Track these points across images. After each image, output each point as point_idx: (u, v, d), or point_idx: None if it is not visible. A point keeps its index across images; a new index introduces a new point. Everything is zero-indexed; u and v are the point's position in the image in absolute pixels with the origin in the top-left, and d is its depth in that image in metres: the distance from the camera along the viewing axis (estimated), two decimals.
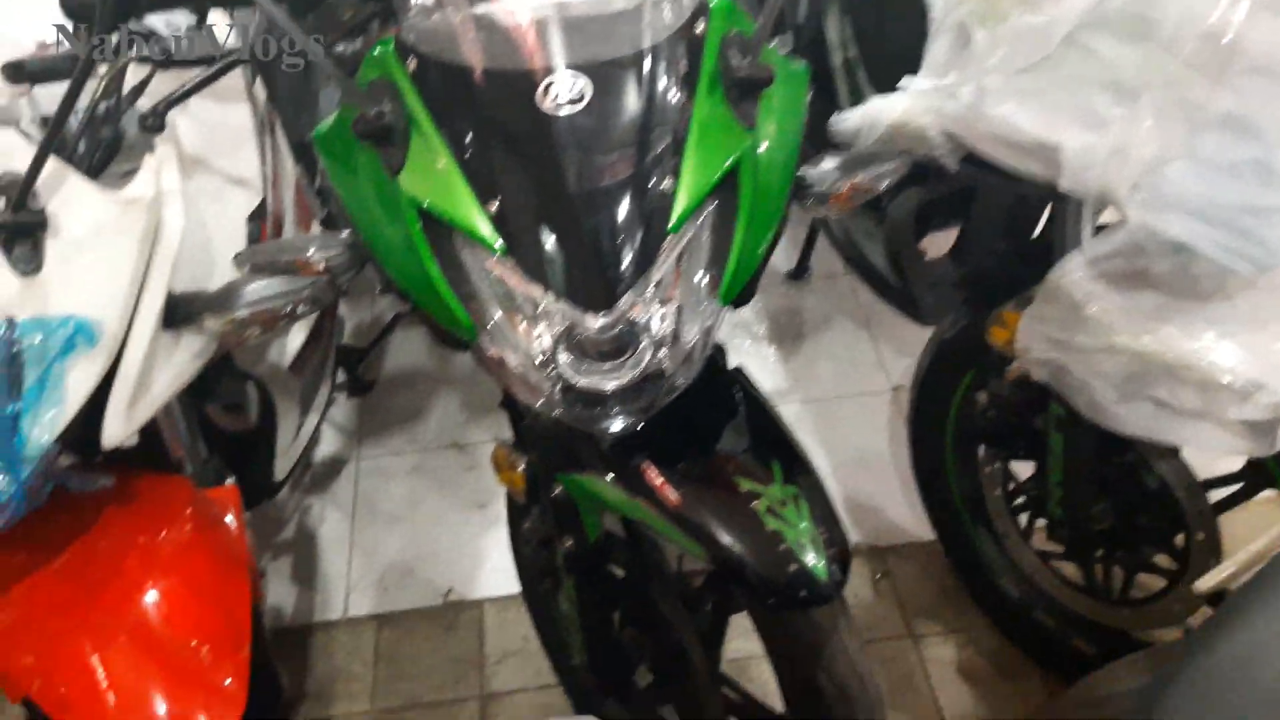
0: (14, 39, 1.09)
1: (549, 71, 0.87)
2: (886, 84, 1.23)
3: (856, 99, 1.50)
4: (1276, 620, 0.77)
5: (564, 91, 0.87)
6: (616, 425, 0.96)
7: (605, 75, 0.88)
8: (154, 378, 1.03)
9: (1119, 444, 1.37)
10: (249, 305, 1.04)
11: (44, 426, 0.92)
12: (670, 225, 0.89)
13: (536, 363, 0.93)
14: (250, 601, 1.16)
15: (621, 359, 0.92)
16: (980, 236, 1.60)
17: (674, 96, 0.91)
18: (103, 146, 1.10)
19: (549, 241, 0.88)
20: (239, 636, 1.12)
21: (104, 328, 0.93)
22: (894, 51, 1.25)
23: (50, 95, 1.07)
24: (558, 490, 1.17)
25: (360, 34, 1.00)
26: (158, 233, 0.99)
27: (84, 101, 0.97)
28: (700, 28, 0.94)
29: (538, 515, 1.32)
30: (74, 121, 1.01)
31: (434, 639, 1.80)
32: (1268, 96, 1.00)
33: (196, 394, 1.22)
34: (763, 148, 0.95)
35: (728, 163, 0.91)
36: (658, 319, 0.92)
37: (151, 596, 1.10)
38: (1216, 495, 1.36)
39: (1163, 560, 1.43)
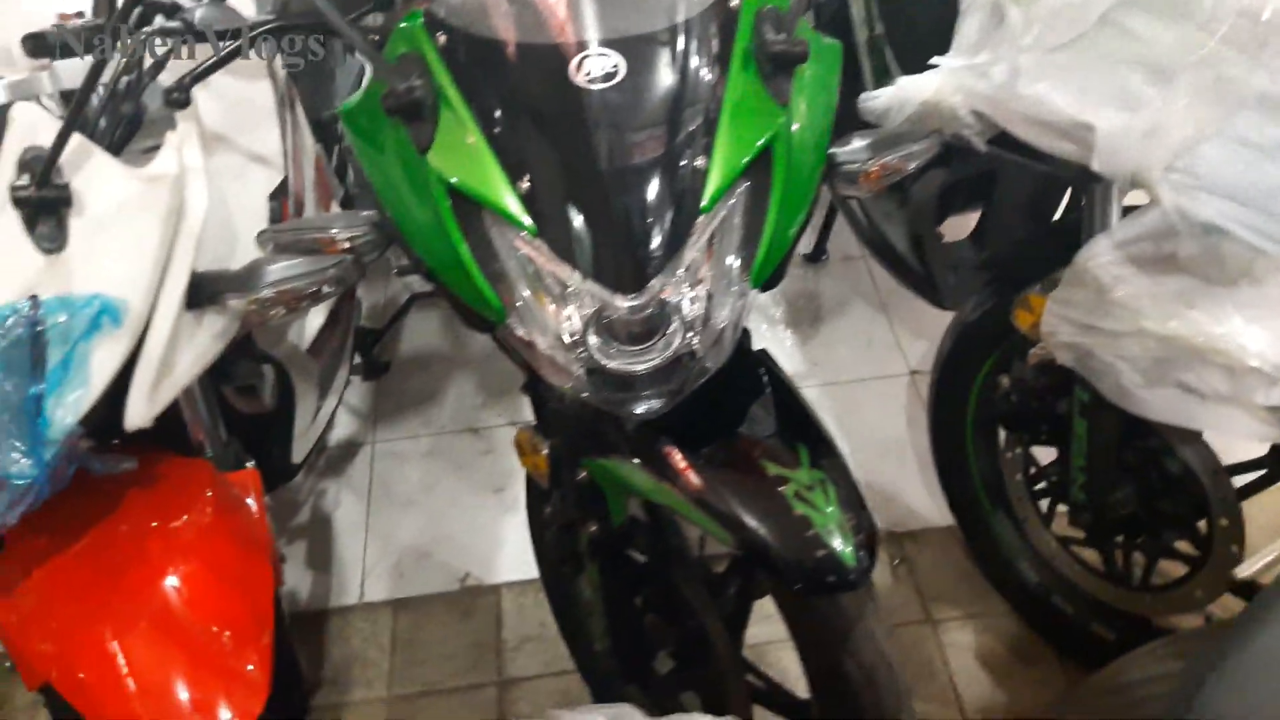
0: (33, 11, 1.08)
1: (582, 46, 0.86)
2: (913, 62, 1.22)
3: (882, 78, 1.48)
4: None
5: (597, 67, 0.86)
6: (645, 408, 0.95)
7: (639, 50, 0.87)
8: (177, 359, 1.02)
9: (1143, 429, 1.37)
10: (273, 285, 1.03)
11: (68, 408, 0.91)
12: (703, 205, 0.88)
13: (566, 344, 0.92)
14: (273, 586, 1.15)
15: (651, 341, 0.91)
16: (1001, 220, 1.59)
17: (707, 72, 0.90)
18: (124, 123, 1.09)
19: (579, 221, 0.87)
20: (261, 622, 1.11)
21: (129, 307, 0.92)
22: (922, 29, 1.24)
23: (70, 68, 1.05)
24: (582, 475, 1.16)
25: (387, 6, 0.98)
26: (181, 211, 0.97)
27: (105, 76, 0.95)
28: (735, 1, 0.92)
29: (559, 500, 1.31)
30: (95, 97, 0.99)
31: (451, 624, 1.80)
32: None
33: (215, 375, 1.21)
34: (796, 126, 0.94)
35: (761, 141, 0.90)
36: (688, 301, 0.91)
37: (173, 581, 1.09)
38: (1240, 481, 1.35)
39: (1185, 546, 1.42)
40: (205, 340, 1.07)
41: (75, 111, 0.88)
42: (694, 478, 1.04)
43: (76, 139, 0.92)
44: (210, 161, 1.08)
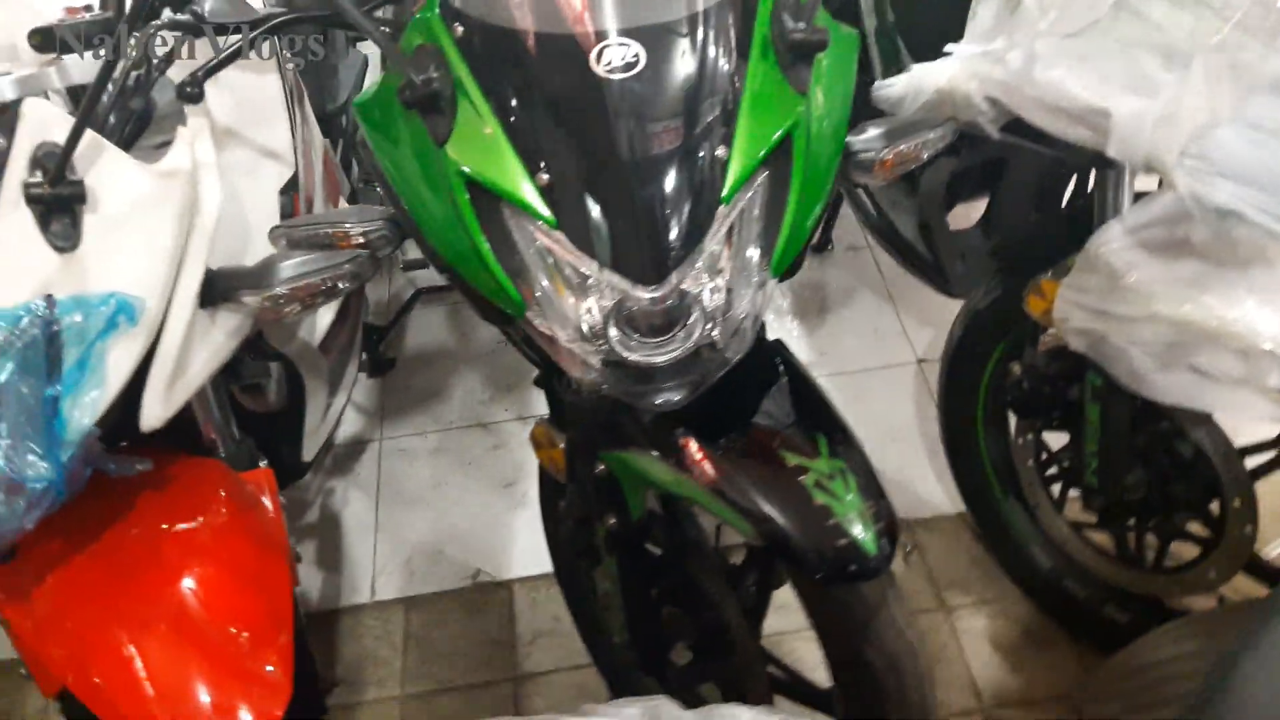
0: (40, 5, 1.06)
1: (602, 36, 0.85)
2: (924, 51, 1.21)
3: (893, 66, 1.47)
4: None
5: (618, 56, 0.85)
6: (665, 400, 0.95)
7: (658, 40, 0.86)
8: (191, 358, 1.02)
9: (1154, 412, 1.37)
10: (288, 281, 1.02)
11: (84, 409, 0.90)
12: (723, 195, 0.87)
13: (586, 337, 0.91)
14: (290, 586, 1.15)
15: (672, 332, 0.91)
16: (1009, 207, 1.59)
17: (727, 62, 0.89)
18: (133, 118, 1.08)
19: (600, 212, 0.86)
20: (280, 622, 1.10)
21: (145, 306, 0.91)
22: (933, 17, 1.23)
23: (79, 63, 1.04)
24: (600, 468, 1.15)
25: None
26: (195, 207, 0.97)
27: (115, 71, 0.94)
28: None
29: (575, 494, 1.31)
30: (104, 93, 0.98)
31: (463, 621, 1.79)
32: None
33: (226, 374, 1.20)
34: (815, 115, 0.94)
35: (781, 131, 0.90)
36: (709, 292, 0.90)
37: (189, 583, 1.08)
38: (1252, 463, 1.36)
39: (1197, 528, 1.43)
40: (219, 338, 1.07)
41: (88, 107, 0.87)
42: (713, 469, 1.04)
43: (89, 135, 0.91)
44: (221, 157, 1.07)
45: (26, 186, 0.91)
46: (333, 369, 1.51)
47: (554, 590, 1.79)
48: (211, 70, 0.95)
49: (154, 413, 0.98)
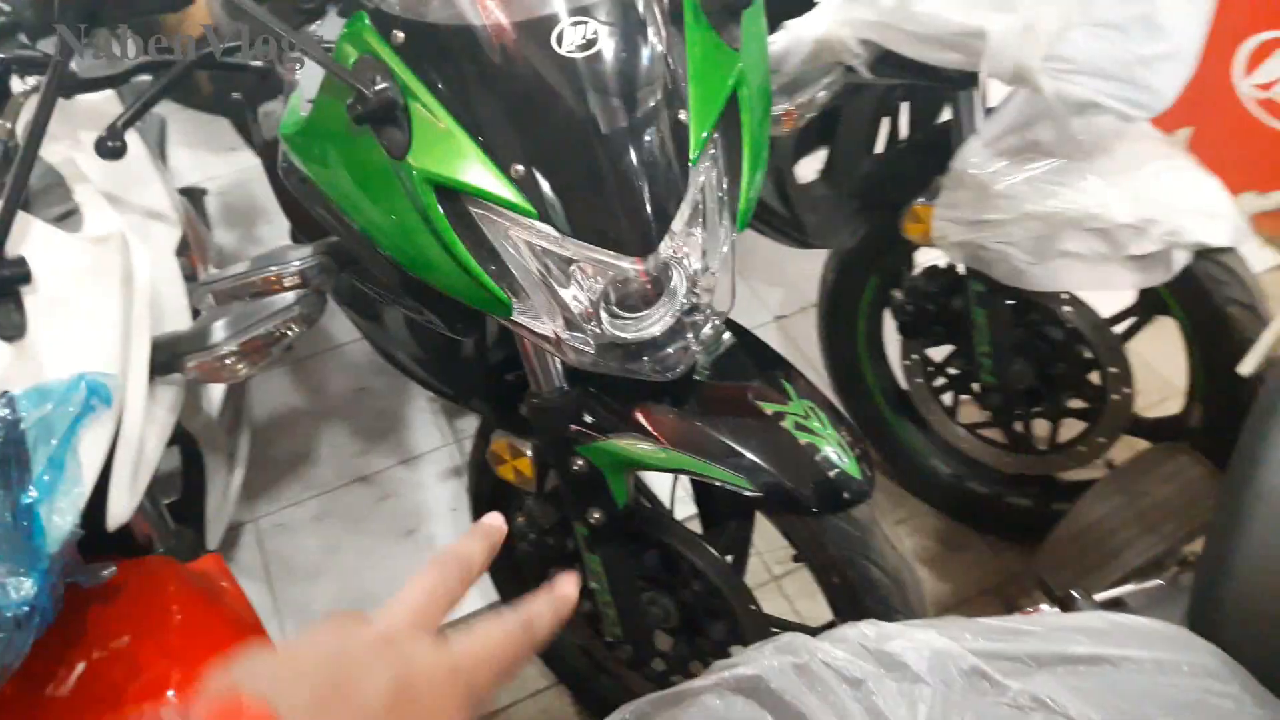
0: None
1: (559, 18, 0.85)
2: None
3: None
4: None
5: (577, 36, 0.85)
6: (667, 367, 0.96)
7: (607, 14, 0.86)
8: (147, 437, 0.92)
9: (1027, 305, 1.51)
10: (236, 337, 0.94)
11: (64, 511, 0.79)
12: (690, 158, 0.89)
13: (576, 324, 0.91)
14: None
15: (660, 301, 0.92)
16: (848, 153, 1.69)
17: (669, 29, 0.91)
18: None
19: (584, 193, 0.86)
20: None
21: (114, 382, 0.81)
22: None
23: None
24: (579, 464, 1.14)
25: (318, 18, 0.92)
26: (129, 273, 0.87)
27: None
28: None
29: (538, 503, 1.28)
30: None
31: None
32: None
33: None
34: (750, 68, 0.97)
35: (728, 87, 0.93)
36: (692, 255, 0.92)
37: (173, 695, 0.97)
38: (1119, 330, 1.52)
39: (1080, 403, 1.58)
40: (162, 414, 0.97)
41: (20, 180, 0.76)
42: (701, 435, 1.06)
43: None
44: None
45: None
46: (230, 441, 1.40)
47: None
48: (130, 121, 0.86)
49: (122, 505, 0.88)
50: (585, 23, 0.85)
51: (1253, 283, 1.36)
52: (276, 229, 2.44)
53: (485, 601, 1.72)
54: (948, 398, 1.72)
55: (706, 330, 0.97)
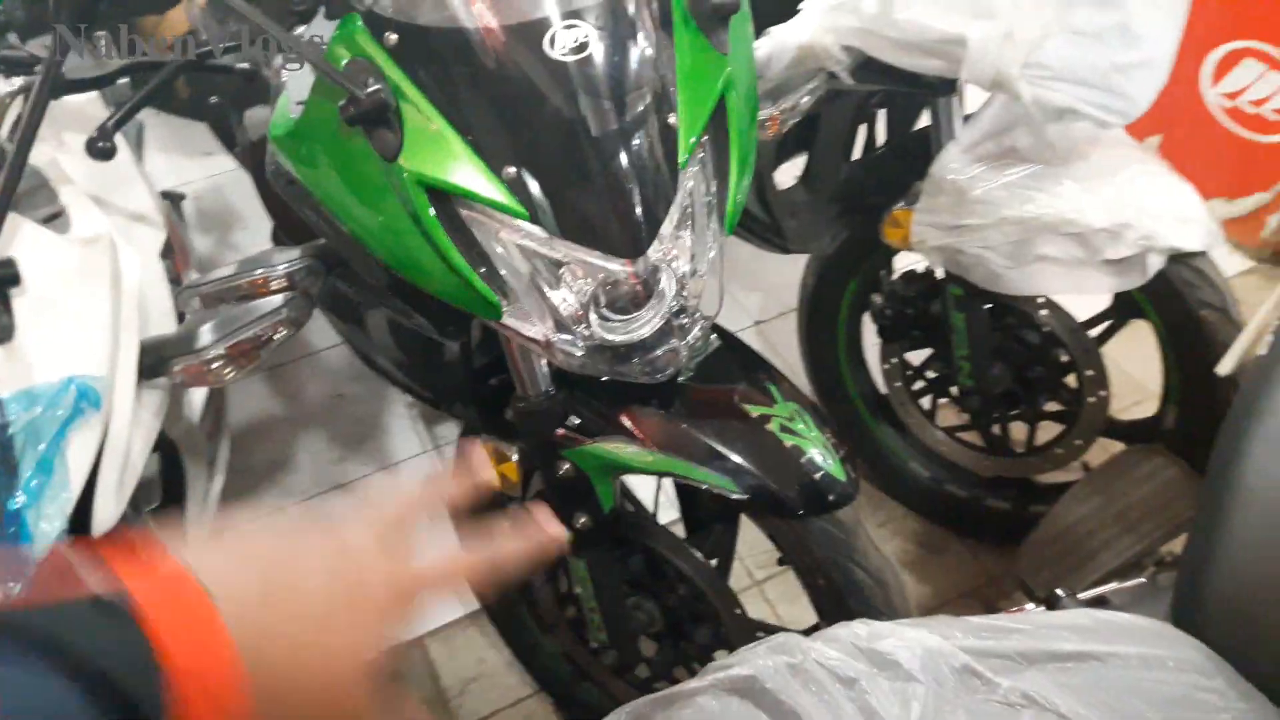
0: None
1: (551, 21, 0.85)
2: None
3: None
4: None
5: (569, 39, 0.85)
6: (656, 370, 0.97)
7: (599, 18, 0.87)
8: (133, 442, 0.91)
9: (1004, 309, 1.53)
10: (223, 340, 0.94)
11: (51, 516, 0.78)
12: (680, 161, 0.90)
13: (566, 326, 0.91)
14: None
15: (650, 304, 0.93)
16: (826, 159, 1.71)
17: (659, 33, 0.91)
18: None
19: (576, 195, 0.87)
20: None
21: (103, 385, 0.80)
22: None
23: None
24: (565, 468, 1.14)
25: (308, 19, 0.92)
26: (118, 274, 0.86)
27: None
28: None
29: (523, 509, 1.28)
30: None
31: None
32: None
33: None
34: (738, 73, 0.98)
35: (717, 92, 0.93)
36: (681, 257, 0.93)
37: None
38: (1094, 333, 1.54)
39: (1057, 406, 1.60)
40: (148, 418, 0.96)
41: (10, 186, 0.75)
42: (687, 438, 1.07)
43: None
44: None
45: None
46: (210, 448, 1.38)
47: (471, 633, 1.73)
48: (121, 122, 0.85)
49: (108, 511, 0.87)
50: (577, 26, 0.85)
51: (1224, 286, 1.38)
52: (253, 234, 2.43)
53: (465, 610, 1.73)
54: (926, 401, 1.73)
55: (695, 333, 0.98)
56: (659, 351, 0.96)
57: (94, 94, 1.08)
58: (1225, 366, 1.16)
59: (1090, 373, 1.52)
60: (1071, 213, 1.33)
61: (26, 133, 0.77)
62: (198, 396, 1.30)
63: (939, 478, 1.77)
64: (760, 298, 2.24)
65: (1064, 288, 1.42)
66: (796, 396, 1.12)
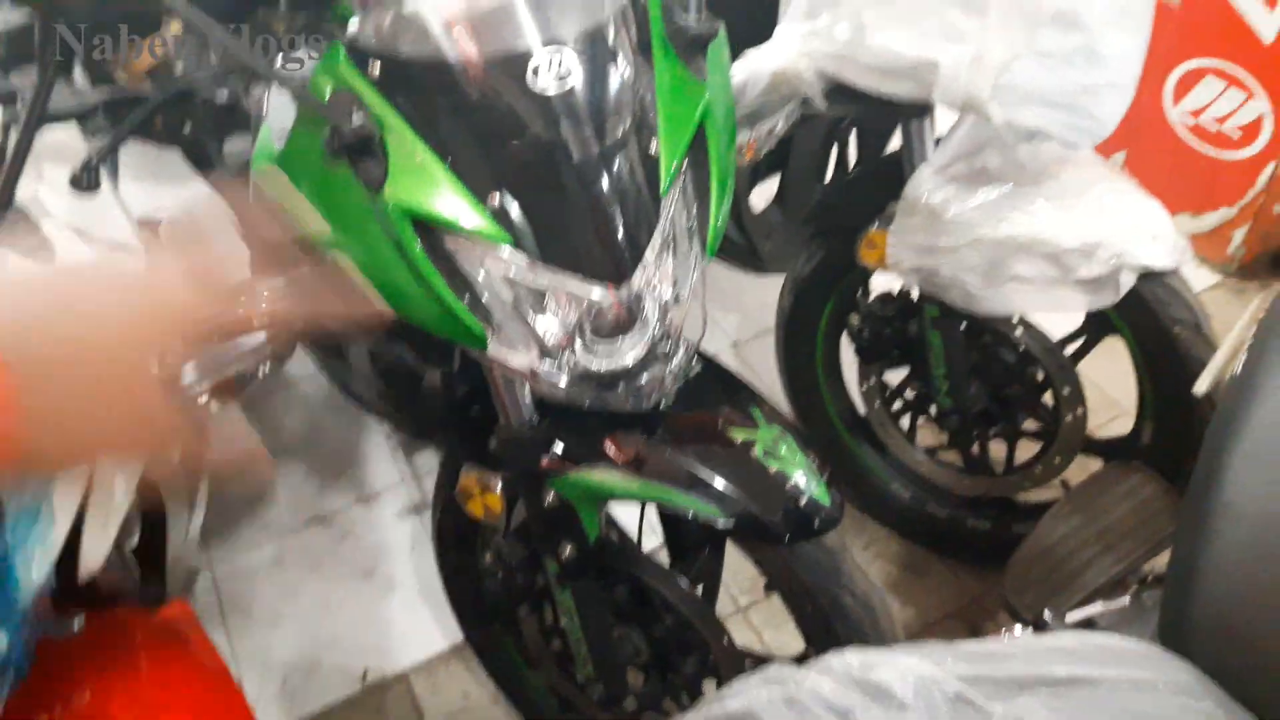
0: None
1: (532, 52, 0.85)
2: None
3: None
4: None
5: (551, 70, 0.85)
6: (642, 397, 0.97)
7: (581, 49, 0.87)
8: (117, 480, 0.90)
9: (979, 329, 1.55)
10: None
11: (38, 561, 0.77)
12: (662, 188, 0.90)
13: (551, 354, 0.92)
14: (252, 715, 1.03)
15: (633, 330, 0.93)
16: (799, 181, 1.72)
17: (637, 61, 0.92)
18: None
19: (560, 223, 0.87)
20: None
21: None
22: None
23: None
24: (550, 498, 1.13)
25: (291, 48, 0.92)
26: None
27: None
28: None
29: (506, 541, 1.27)
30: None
31: None
32: None
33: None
34: (716, 100, 0.99)
35: (696, 119, 0.94)
36: (660, 283, 0.93)
37: None
38: (1069, 351, 1.56)
39: (1035, 424, 1.62)
40: None
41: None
42: (672, 465, 1.06)
43: None
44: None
45: None
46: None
47: (454, 667, 1.72)
48: (105, 155, 0.84)
49: (97, 551, 0.86)
50: (558, 56, 0.86)
51: (1195, 303, 1.40)
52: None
53: (449, 643, 1.71)
54: (905, 421, 1.74)
55: (678, 358, 0.98)
56: (644, 378, 0.97)
57: (71, 125, 1.07)
58: (1201, 386, 1.18)
59: (1067, 390, 1.53)
60: (1044, 233, 1.34)
61: (15, 162, 0.76)
62: None
63: (920, 498, 1.78)
64: (738, 319, 2.25)
65: (1038, 307, 1.43)
66: (779, 419, 1.12)
